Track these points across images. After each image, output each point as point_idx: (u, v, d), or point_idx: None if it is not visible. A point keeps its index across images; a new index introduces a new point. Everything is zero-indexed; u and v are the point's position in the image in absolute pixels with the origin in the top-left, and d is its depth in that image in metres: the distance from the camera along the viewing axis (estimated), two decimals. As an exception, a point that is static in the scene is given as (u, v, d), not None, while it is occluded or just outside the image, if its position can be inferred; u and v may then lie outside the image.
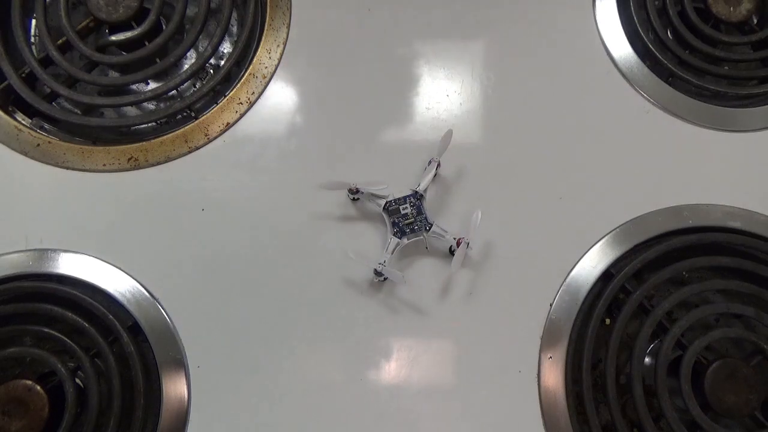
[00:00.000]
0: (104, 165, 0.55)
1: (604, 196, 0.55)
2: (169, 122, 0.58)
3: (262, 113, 0.57)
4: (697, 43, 0.59)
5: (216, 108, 0.57)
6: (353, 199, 0.54)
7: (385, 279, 0.51)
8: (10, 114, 0.57)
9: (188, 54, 0.59)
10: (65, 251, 0.53)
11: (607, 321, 0.53)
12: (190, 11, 0.60)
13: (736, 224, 0.54)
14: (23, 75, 0.57)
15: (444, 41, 0.59)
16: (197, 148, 0.56)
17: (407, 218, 0.52)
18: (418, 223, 0.52)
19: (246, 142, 0.56)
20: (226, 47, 0.61)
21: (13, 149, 0.55)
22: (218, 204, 0.54)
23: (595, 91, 0.58)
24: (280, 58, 0.58)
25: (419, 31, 0.59)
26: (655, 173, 0.56)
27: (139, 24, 0.58)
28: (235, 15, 0.61)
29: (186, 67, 0.58)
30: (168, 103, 0.58)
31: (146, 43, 0.58)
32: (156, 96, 0.57)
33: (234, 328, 0.51)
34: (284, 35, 0.59)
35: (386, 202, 0.52)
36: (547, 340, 0.51)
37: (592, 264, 0.53)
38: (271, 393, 0.50)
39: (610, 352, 0.50)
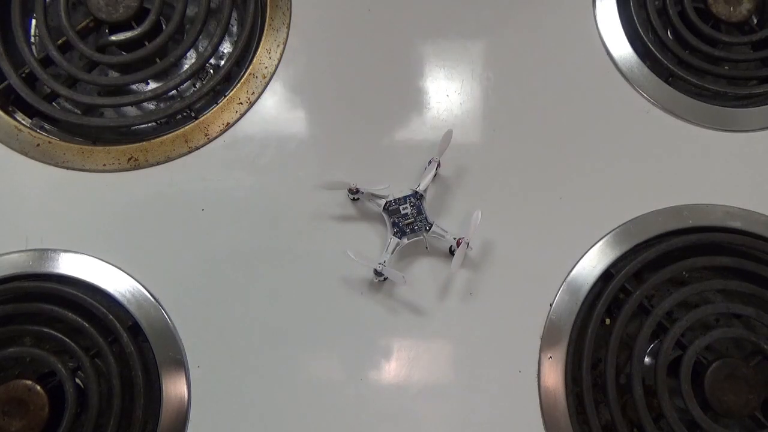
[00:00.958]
0: (104, 165, 0.55)
1: (604, 196, 0.55)
2: (169, 122, 0.58)
3: (262, 113, 0.57)
4: (697, 43, 0.59)
5: (216, 108, 0.57)
6: (353, 199, 0.54)
7: (385, 279, 0.51)
8: (10, 114, 0.57)
9: (188, 54, 0.59)
10: (65, 251, 0.53)
11: (607, 321, 0.53)
12: (190, 11, 0.60)
13: (736, 224, 0.54)
14: (23, 75, 0.57)
15: (444, 41, 0.59)
16: (197, 148, 0.56)
17: (407, 218, 0.52)
18: (418, 223, 0.52)
19: (246, 142, 0.56)
20: (226, 47, 0.61)
21: (13, 149, 0.55)
22: (218, 204, 0.54)
23: (595, 91, 0.58)
24: (280, 58, 0.58)
25: (419, 31, 0.59)
26: (655, 173, 0.56)
27: (139, 24, 0.58)
28: (235, 15, 0.61)
29: (186, 67, 0.58)
30: (168, 103, 0.58)
31: (146, 43, 0.58)
32: (156, 96, 0.57)
33: (234, 328, 0.51)
34: (284, 35, 0.59)
35: (386, 202, 0.52)
36: (547, 340, 0.51)
37: (592, 264, 0.53)
38: (271, 393, 0.50)
39: (610, 352, 0.50)
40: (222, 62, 0.60)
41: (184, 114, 0.58)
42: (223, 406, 0.50)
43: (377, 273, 0.50)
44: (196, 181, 0.55)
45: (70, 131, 0.58)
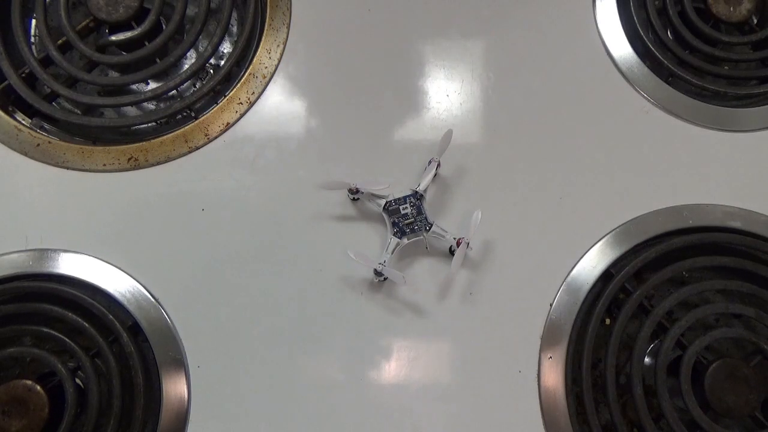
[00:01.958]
0: (104, 165, 0.55)
1: (604, 196, 0.55)
2: (169, 122, 0.58)
3: (262, 113, 0.57)
4: (697, 43, 0.59)
5: (216, 108, 0.57)
6: (353, 199, 0.54)
7: (385, 279, 0.51)
8: (10, 114, 0.57)
9: (188, 54, 0.59)
10: (65, 251, 0.53)
11: (607, 321, 0.53)
12: (190, 11, 0.60)
13: (736, 224, 0.54)
14: (23, 75, 0.57)
15: (444, 41, 0.59)
16: (197, 148, 0.56)
17: (407, 218, 0.52)
18: (418, 223, 0.52)
19: (246, 142, 0.56)
20: (226, 47, 0.61)
21: (13, 149, 0.55)
22: (218, 204, 0.54)
23: (595, 91, 0.58)
24: (280, 58, 0.58)
25: (419, 31, 0.59)
26: (655, 173, 0.56)
27: (139, 24, 0.58)
28: (235, 15, 0.61)
29: (186, 67, 0.58)
30: (168, 103, 0.58)
31: (146, 43, 0.58)
32: (156, 96, 0.57)
33: (234, 328, 0.51)
34: (284, 35, 0.59)
35: (386, 202, 0.52)
36: (547, 340, 0.51)
37: (592, 264, 0.53)
38: (271, 393, 0.50)
39: (610, 352, 0.50)
40: (222, 62, 0.60)
41: (184, 114, 0.58)
42: (223, 406, 0.50)
43: (377, 273, 0.50)
44: (196, 181, 0.55)
45: (70, 131, 0.58)
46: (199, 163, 0.55)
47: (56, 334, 0.50)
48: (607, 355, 0.50)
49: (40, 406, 0.47)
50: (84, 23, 0.58)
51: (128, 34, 0.58)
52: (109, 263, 0.52)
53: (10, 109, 0.58)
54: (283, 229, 0.54)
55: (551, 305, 0.52)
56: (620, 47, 0.59)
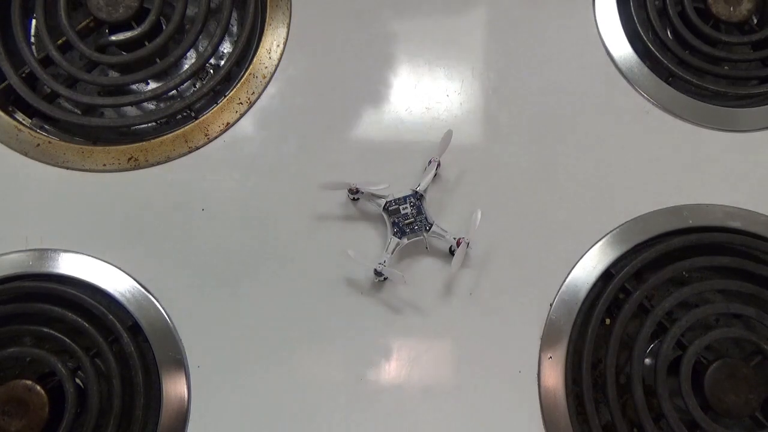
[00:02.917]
0: (104, 165, 0.55)
1: (604, 196, 0.55)
2: (169, 122, 0.58)
3: (262, 113, 0.57)
4: (697, 43, 0.59)
5: (216, 108, 0.57)
6: (353, 199, 0.54)
7: (385, 279, 0.51)
8: (10, 114, 0.57)
9: (188, 54, 0.59)
10: (65, 251, 0.53)
11: (607, 321, 0.53)
12: (190, 11, 0.60)
13: (736, 224, 0.54)
14: (23, 75, 0.57)
15: (444, 41, 0.59)
16: (197, 148, 0.56)
17: (407, 218, 0.52)
18: (418, 223, 0.52)
19: (246, 142, 0.56)
20: (226, 47, 0.61)
21: (13, 149, 0.55)
22: (218, 204, 0.54)
23: (595, 91, 0.58)
24: (280, 58, 0.58)
25: (419, 31, 0.59)
26: (655, 173, 0.56)
27: (139, 24, 0.58)
28: (235, 15, 0.61)
29: (186, 67, 0.58)
30: (168, 103, 0.58)
31: (146, 43, 0.58)
32: (156, 96, 0.57)
33: (234, 328, 0.51)
34: (284, 35, 0.59)
35: (386, 202, 0.52)
36: (547, 340, 0.51)
37: (592, 264, 0.53)
38: (271, 393, 0.50)
39: (610, 352, 0.50)
40: (222, 62, 0.60)
41: (184, 114, 0.58)
42: (223, 406, 0.50)
43: (377, 273, 0.50)
44: (196, 181, 0.55)
45: (70, 131, 0.58)
46: (199, 163, 0.55)
47: (56, 334, 0.50)
48: (607, 355, 0.50)
49: (40, 406, 0.47)
50: (84, 23, 0.58)
51: (128, 34, 0.58)
52: (109, 263, 0.52)
53: (10, 109, 0.58)
54: (283, 229, 0.54)
55: (551, 305, 0.52)
56: (620, 47, 0.59)
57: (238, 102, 0.57)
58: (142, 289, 0.52)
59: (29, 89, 0.56)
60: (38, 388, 0.48)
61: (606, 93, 0.58)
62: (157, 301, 0.52)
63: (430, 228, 0.52)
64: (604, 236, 0.54)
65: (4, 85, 0.57)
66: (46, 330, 0.50)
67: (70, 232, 0.53)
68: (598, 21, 0.60)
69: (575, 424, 0.49)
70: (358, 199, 0.54)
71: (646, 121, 0.57)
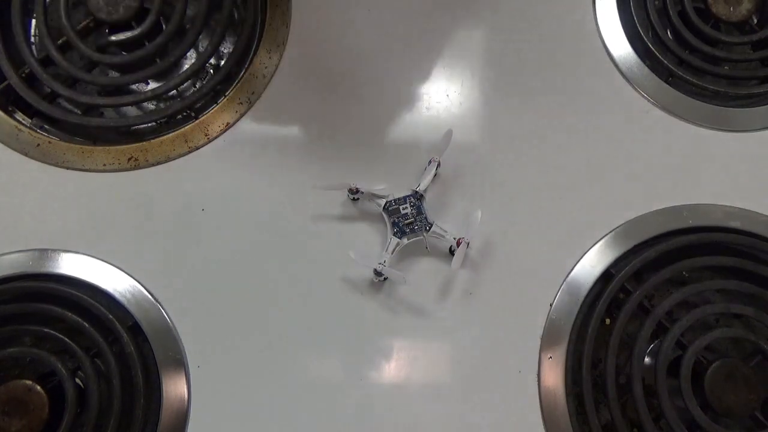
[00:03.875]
0: (104, 165, 0.55)
1: (604, 196, 0.55)
2: (169, 122, 0.58)
3: (262, 113, 0.57)
4: (697, 43, 0.59)
5: (216, 108, 0.57)
6: (353, 199, 0.54)
7: (385, 279, 0.51)
8: (10, 114, 0.57)
9: (188, 54, 0.59)
10: (65, 251, 0.53)
11: (607, 321, 0.53)
12: (190, 11, 0.60)
13: (736, 224, 0.54)
14: (23, 75, 0.57)
15: (444, 41, 0.59)
16: (197, 148, 0.56)
17: (407, 218, 0.52)
18: (418, 223, 0.52)
19: (246, 142, 0.56)
20: (226, 47, 0.61)
21: (13, 149, 0.55)
22: (218, 204, 0.54)
23: (595, 91, 0.58)
24: (280, 58, 0.58)
25: (419, 31, 0.59)
26: (655, 173, 0.56)
27: (139, 24, 0.58)
28: (235, 15, 0.61)
29: (186, 67, 0.58)
30: (168, 103, 0.58)
31: (146, 43, 0.58)
32: (156, 96, 0.57)
33: (234, 328, 0.51)
34: (284, 35, 0.59)
35: (386, 202, 0.52)
36: (547, 340, 0.51)
37: (592, 264, 0.53)
38: (271, 393, 0.50)
39: (610, 352, 0.50)
40: (222, 62, 0.60)
41: (184, 114, 0.58)
42: (223, 406, 0.50)
43: (377, 273, 0.50)
44: (196, 181, 0.55)
45: (70, 131, 0.58)
46: (199, 163, 0.55)
47: (56, 334, 0.50)
48: (607, 355, 0.50)
49: (40, 406, 0.47)
50: (84, 23, 0.58)
51: (128, 34, 0.58)
52: (109, 263, 0.52)
53: (10, 109, 0.58)
54: (283, 229, 0.54)
55: (551, 305, 0.52)
56: (620, 47, 0.59)
57: (238, 102, 0.57)
58: (142, 289, 0.52)
59: (29, 89, 0.56)
60: (38, 388, 0.48)
61: (606, 93, 0.58)
62: (157, 301, 0.52)
63: (430, 228, 0.52)
64: (604, 236, 0.54)
65: (4, 85, 0.57)
66: (46, 330, 0.50)
67: (70, 232, 0.53)
68: (598, 21, 0.60)
69: (575, 424, 0.49)
70: (358, 199, 0.54)
71: (646, 121, 0.57)
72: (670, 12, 0.60)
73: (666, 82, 0.58)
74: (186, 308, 0.52)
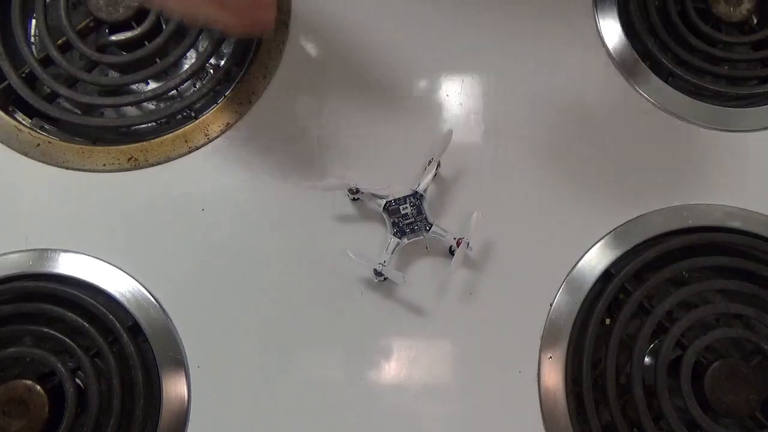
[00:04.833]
0: (104, 165, 0.55)
1: (604, 196, 0.55)
2: (169, 122, 0.58)
3: (262, 113, 0.57)
4: (697, 43, 0.59)
5: (216, 108, 0.57)
6: (353, 199, 0.54)
7: (385, 279, 0.51)
8: (10, 114, 0.57)
9: (188, 54, 0.59)
10: (65, 251, 0.53)
11: (607, 321, 0.53)
12: (190, 11, 0.60)
13: (736, 224, 0.54)
14: (23, 75, 0.57)
15: (444, 41, 0.59)
16: (197, 148, 0.56)
17: (407, 218, 0.52)
18: (418, 223, 0.52)
19: (246, 142, 0.56)
20: (226, 47, 0.61)
21: (13, 149, 0.55)
22: (218, 204, 0.54)
23: (595, 91, 0.58)
24: (280, 58, 0.58)
25: (419, 31, 0.59)
26: (655, 173, 0.56)
27: (139, 24, 0.58)
28: (235, 15, 0.61)
29: (186, 67, 0.58)
30: (168, 103, 0.58)
31: (146, 43, 0.58)
32: (156, 96, 0.57)
33: (234, 328, 0.51)
34: (284, 35, 0.59)
35: (386, 202, 0.52)
36: (547, 340, 0.51)
37: (592, 264, 0.53)
38: (271, 393, 0.50)
39: (610, 352, 0.50)
40: (222, 62, 0.60)
41: (184, 114, 0.58)
42: (223, 406, 0.50)
43: (377, 273, 0.50)
44: (196, 181, 0.55)
45: (70, 131, 0.58)
46: (199, 163, 0.55)
47: (56, 334, 0.50)
48: (607, 355, 0.50)
49: (40, 406, 0.47)
50: (84, 23, 0.58)
51: (128, 34, 0.58)
52: (109, 263, 0.52)
53: (10, 109, 0.58)
54: (283, 229, 0.54)
55: (551, 305, 0.52)
56: (620, 47, 0.59)
57: (238, 102, 0.57)
58: (142, 289, 0.52)
59: (29, 89, 0.56)
60: (38, 388, 0.48)
61: (606, 93, 0.58)
62: (157, 301, 0.52)
63: (430, 228, 0.52)
64: (604, 236, 0.54)
65: (4, 85, 0.57)
66: (46, 330, 0.50)
67: (70, 232, 0.53)
68: (598, 21, 0.60)
69: (575, 424, 0.49)
70: (358, 199, 0.54)
71: (646, 121, 0.57)
72: (670, 12, 0.60)
73: (666, 82, 0.58)
74: (186, 308, 0.52)
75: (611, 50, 0.59)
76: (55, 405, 0.48)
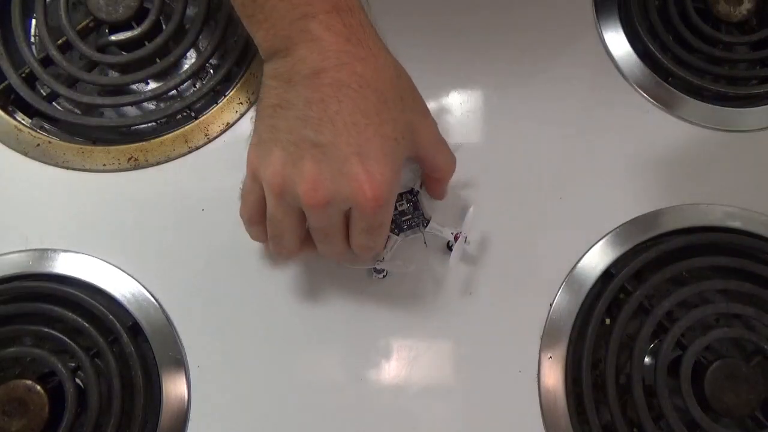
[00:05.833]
0: (104, 165, 0.55)
1: (604, 196, 0.55)
2: (169, 122, 0.58)
3: (262, 113, 0.57)
4: (697, 43, 0.59)
5: (216, 108, 0.57)
6: (353, 199, 0.54)
7: (385, 276, 0.51)
8: (10, 114, 0.57)
9: (188, 54, 0.59)
10: (65, 251, 0.53)
11: (607, 321, 0.53)
12: (190, 11, 0.60)
13: (736, 224, 0.54)
14: (23, 75, 0.57)
15: (444, 42, 0.59)
16: (197, 148, 0.56)
17: (404, 215, 0.51)
18: (415, 219, 0.51)
19: (246, 142, 0.55)
20: (226, 47, 0.61)
21: (13, 149, 0.55)
22: (218, 204, 0.54)
23: (595, 91, 0.58)
24: (280, 58, 0.58)
25: (419, 31, 0.59)
26: (655, 173, 0.56)
27: (139, 24, 0.58)
28: (235, 14, 0.61)
29: (186, 67, 0.58)
30: (168, 103, 0.58)
31: (146, 43, 0.58)
32: (156, 96, 0.57)
33: (234, 328, 0.51)
34: (284, 35, 0.58)
35: (384, 201, 0.52)
36: (547, 340, 0.51)
37: (592, 264, 0.53)
38: (271, 393, 0.50)
39: (610, 352, 0.50)
40: (222, 62, 0.60)
41: (184, 114, 0.58)
42: (223, 406, 0.50)
43: (377, 270, 0.50)
44: (196, 181, 0.55)
45: (70, 131, 0.58)
46: (199, 163, 0.55)
47: (56, 334, 0.50)
48: (607, 355, 0.50)
49: (40, 406, 0.47)
50: (84, 23, 0.58)
51: (128, 34, 0.58)
52: (109, 263, 0.52)
53: (10, 109, 0.58)
54: (283, 229, 0.54)
55: (551, 305, 0.52)
56: (620, 47, 0.59)
57: (238, 102, 0.57)
58: (142, 289, 0.52)
59: (29, 89, 0.56)
60: (38, 388, 0.48)
61: (606, 93, 0.58)
62: (157, 301, 0.52)
63: (427, 224, 0.51)
64: (604, 236, 0.54)
65: (4, 85, 0.57)
66: (46, 330, 0.50)
67: (70, 232, 0.53)
68: (598, 21, 0.60)
69: (575, 424, 0.49)
70: (358, 199, 0.53)
71: (646, 121, 0.57)
72: (670, 12, 0.60)
73: (666, 82, 0.58)
74: (186, 308, 0.52)
75: (611, 50, 0.59)
76: (55, 405, 0.48)
